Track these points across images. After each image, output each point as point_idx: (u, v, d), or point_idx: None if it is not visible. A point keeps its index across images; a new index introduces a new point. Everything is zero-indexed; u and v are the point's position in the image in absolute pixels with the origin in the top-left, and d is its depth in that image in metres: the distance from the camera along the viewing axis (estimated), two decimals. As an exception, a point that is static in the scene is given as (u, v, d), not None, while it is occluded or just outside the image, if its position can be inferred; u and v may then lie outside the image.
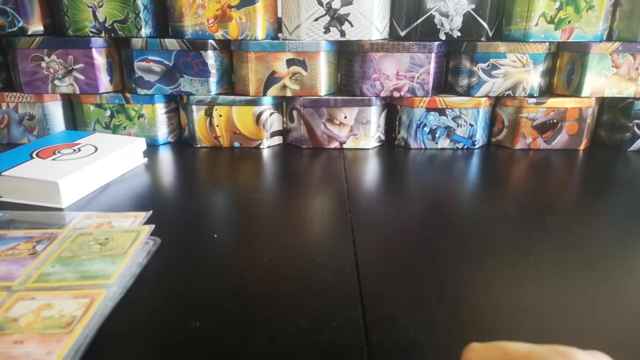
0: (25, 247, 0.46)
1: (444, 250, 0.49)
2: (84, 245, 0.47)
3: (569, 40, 0.77)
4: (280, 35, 0.82)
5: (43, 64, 0.78)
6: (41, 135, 0.81)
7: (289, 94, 0.80)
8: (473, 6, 0.76)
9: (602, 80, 0.78)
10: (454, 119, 0.81)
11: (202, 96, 0.80)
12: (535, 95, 0.81)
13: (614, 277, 0.45)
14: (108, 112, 0.81)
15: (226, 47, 0.80)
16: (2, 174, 0.60)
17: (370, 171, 0.75)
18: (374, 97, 0.80)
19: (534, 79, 0.79)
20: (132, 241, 0.48)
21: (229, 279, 0.44)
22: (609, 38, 0.79)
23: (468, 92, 0.81)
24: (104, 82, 0.80)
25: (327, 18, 0.76)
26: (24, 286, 0.40)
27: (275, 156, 0.80)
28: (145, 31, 0.77)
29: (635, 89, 0.79)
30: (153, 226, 0.51)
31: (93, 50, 0.77)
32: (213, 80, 0.80)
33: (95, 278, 0.42)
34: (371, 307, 0.40)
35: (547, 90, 0.83)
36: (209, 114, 0.81)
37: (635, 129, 0.82)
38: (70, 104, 0.84)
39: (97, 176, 0.65)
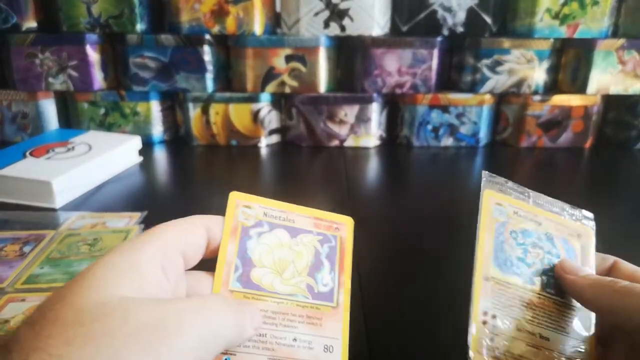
0: (12, 249, 0.45)
1: (447, 251, 0.48)
2: (73, 246, 0.46)
3: (574, 36, 0.76)
4: (278, 30, 0.80)
5: (37, 61, 0.77)
6: (35, 134, 0.80)
7: (287, 90, 0.79)
8: (477, 1, 0.74)
9: (608, 77, 0.77)
10: (457, 116, 0.80)
11: (198, 93, 0.79)
12: (540, 92, 0.79)
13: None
14: (102, 110, 0.80)
15: (223, 42, 0.79)
16: (-6, 173, 0.58)
17: (372, 170, 0.74)
18: (375, 94, 0.79)
19: (538, 75, 0.78)
20: (121, 241, 0.47)
21: (226, 282, 0.42)
22: (615, 34, 0.77)
23: (472, 88, 0.79)
24: (98, 79, 0.79)
25: (327, 13, 0.74)
26: (13, 288, 0.40)
27: (273, 155, 0.79)
28: (141, 27, 0.76)
29: (641, 86, 0.78)
30: (142, 226, 0.50)
31: (87, 46, 0.76)
32: (210, 76, 0.78)
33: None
34: (372, 309, 0.39)
35: (552, 87, 0.82)
36: (205, 111, 0.79)
37: (642, 126, 0.81)
38: (64, 102, 0.82)
39: (92, 175, 0.63)
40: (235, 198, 0.30)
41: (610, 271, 0.31)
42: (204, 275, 0.28)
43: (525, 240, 0.32)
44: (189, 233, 0.27)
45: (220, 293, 0.27)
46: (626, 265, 0.31)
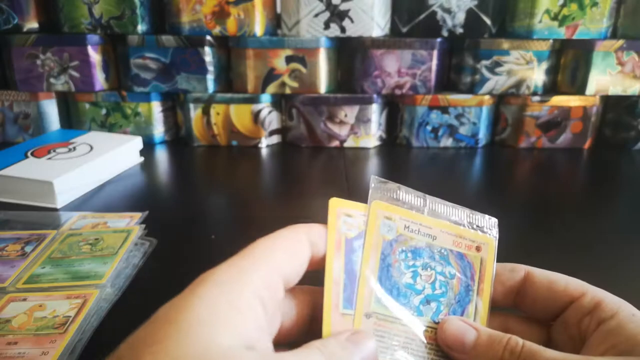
0: (14, 249, 0.45)
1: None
2: (74, 246, 0.46)
3: (573, 37, 0.76)
4: (279, 31, 0.81)
5: (38, 62, 0.77)
6: (36, 134, 0.80)
7: (288, 91, 0.79)
8: (476, 2, 0.75)
9: (607, 78, 0.77)
10: (456, 117, 0.80)
11: (199, 94, 0.79)
12: (539, 93, 0.80)
13: (619, 277, 0.43)
14: (104, 111, 0.80)
15: (224, 43, 0.79)
16: (-4, 173, 0.59)
17: (372, 170, 0.74)
18: (375, 95, 0.79)
19: (537, 76, 0.78)
20: (123, 241, 0.47)
21: (227, 281, 0.42)
22: (614, 35, 0.77)
23: (471, 89, 0.79)
24: (100, 80, 0.79)
25: (327, 14, 0.75)
26: (14, 287, 0.40)
27: (274, 155, 0.79)
28: (142, 28, 0.76)
29: (640, 87, 0.78)
30: (144, 226, 0.50)
31: (89, 47, 0.76)
32: (210, 77, 0.78)
33: (87, 278, 0.41)
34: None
35: (551, 88, 0.82)
36: (206, 112, 0.80)
37: (641, 127, 0.81)
38: (66, 102, 0.82)
39: (93, 176, 0.63)
40: (336, 206, 0.26)
41: (523, 284, 0.28)
42: (301, 296, 0.25)
43: (416, 262, 0.27)
44: (294, 254, 0.24)
45: (329, 338, 0.23)
46: (540, 277, 0.27)
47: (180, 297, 0.20)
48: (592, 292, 0.26)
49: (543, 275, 0.27)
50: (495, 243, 0.29)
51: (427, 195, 0.29)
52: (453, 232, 0.28)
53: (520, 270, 0.28)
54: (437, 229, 0.28)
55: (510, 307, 0.28)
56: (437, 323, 0.26)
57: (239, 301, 0.20)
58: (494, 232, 0.30)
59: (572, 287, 0.26)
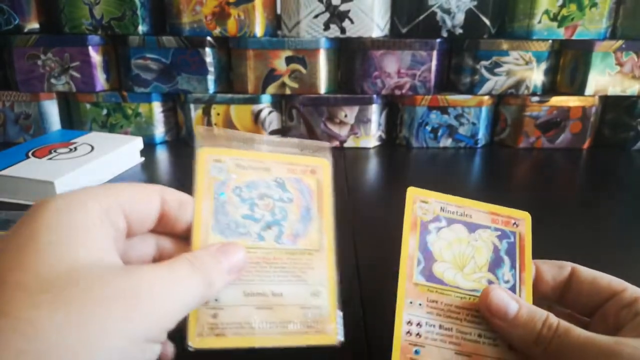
0: None
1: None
2: None
3: (572, 37, 0.76)
4: (279, 32, 0.81)
5: (39, 62, 0.77)
6: (37, 134, 0.80)
7: (288, 92, 0.79)
8: (475, 3, 0.75)
9: (606, 78, 0.77)
10: (456, 117, 0.80)
11: (199, 94, 0.79)
12: (538, 93, 0.80)
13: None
14: (105, 111, 0.80)
15: (224, 44, 0.79)
16: (-3, 173, 0.59)
17: (371, 171, 0.74)
18: (374, 95, 0.79)
19: (537, 77, 0.78)
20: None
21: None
22: (613, 36, 0.78)
23: (470, 90, 0.80)
24: (101, 81, 0.79)
25: (327, 15, 0.75)
26: None
27: (274, 155, 0.79)
28: (142, 28, 0.76)
29: (639, 87, 0.78)
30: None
31: (89, 48, 0.76)
32: (211, 78, 0.78)
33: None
34: (372, 310, 0.39)
35: (551, 89, 0.82)
36: (206, 112, 0.80)
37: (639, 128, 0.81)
38: (67, 103, 0.83)
39: (94, 176, 0.64)
40: (413, 193, 0.31)
41: (569, 280, 0.30)
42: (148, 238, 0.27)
43: (251, 194, 0.29)
44: (136, 195, 0.25)
45: (188, 254, 0.25)
46: (585, 273, 0.30)
47: (22, 226, 0.21)
48: (633, 289, 0.29)
49: (588, 272, 0.30)
50: (330, 163, 0.32)
51: (255, 135, 0.31)
52: (286, 161, 0.30)
53: (567, 266, 0.30)
54: (269, 161, 0.30)
55: (554, 302, 0.31)
56: (281, 243, 0.29)
57: (83, 222, 0.22)
58: (327, 155, 0.32)
59: (615, 283, 0.29)
